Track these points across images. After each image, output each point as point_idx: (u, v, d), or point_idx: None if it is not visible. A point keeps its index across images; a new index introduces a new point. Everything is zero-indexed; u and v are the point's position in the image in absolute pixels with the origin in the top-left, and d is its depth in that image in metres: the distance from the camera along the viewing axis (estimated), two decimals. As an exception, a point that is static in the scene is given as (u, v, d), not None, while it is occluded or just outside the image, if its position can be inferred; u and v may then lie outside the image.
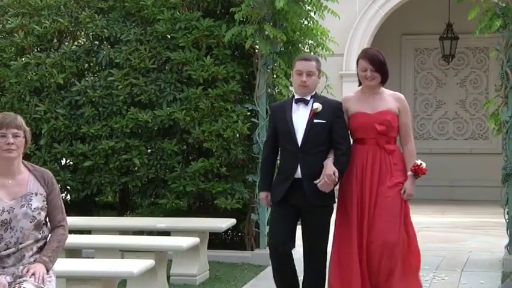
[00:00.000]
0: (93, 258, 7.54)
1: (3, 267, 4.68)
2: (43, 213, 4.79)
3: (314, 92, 6.08)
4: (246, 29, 8.71)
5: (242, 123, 8.91)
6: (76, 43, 9.91)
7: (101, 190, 9.57)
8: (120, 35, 9.43)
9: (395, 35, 16.18)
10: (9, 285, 4.60)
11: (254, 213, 8.91)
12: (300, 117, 5.99)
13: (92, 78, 9.60)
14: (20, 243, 4.72)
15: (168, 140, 9.22)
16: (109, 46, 9.63)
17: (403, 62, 16.60)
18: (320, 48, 9.44)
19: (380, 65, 5.97)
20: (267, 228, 7.68)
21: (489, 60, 15.97)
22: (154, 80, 9.24)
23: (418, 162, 5.96)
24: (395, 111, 6.02)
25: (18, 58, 9.65)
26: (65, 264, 5.80)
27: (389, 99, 6.07)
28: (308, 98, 6.02)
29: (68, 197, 9.75)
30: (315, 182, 5.82)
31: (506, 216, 8.63)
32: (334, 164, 5.85)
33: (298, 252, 6.20)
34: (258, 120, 8.96)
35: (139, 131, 9.32)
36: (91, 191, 9.49)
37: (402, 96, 6.18)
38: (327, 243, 6.03)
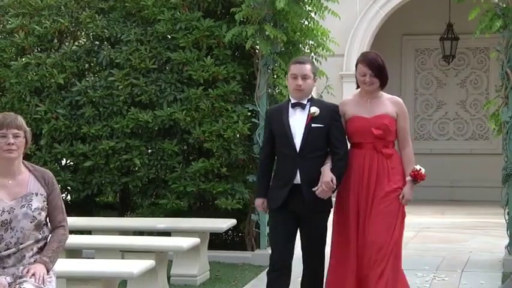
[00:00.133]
0: (93, 258, 7.55)
1: (4, 268, 4.68)
2: (43, 214, 4.79)
3: (310, 96, 5.96)
4: (246, 30, 8.71)
5: (242, 123, 8.91)
6: (76, 43, 9.92)
7: (101, 190, 9.58)
8: (120, 35, 9.44)
9: (395, 35, 16.18)
10: (9, 286, 4.60)
11: (254, 214, 8.91)
12: (298, 122, 5.87)
13: (92, 78, 9.60)
14: (21, 244, 4.72)
15: (168, 140, 9.22)
16: (109, 46, 9.63)
17: (403, 62, 16.60)
18: (320, 48, 9.44)
19: (379, 70, 5.87)
20: (267, 229, 7.66)
21: (489, 61, 15.97)
22: (155, 80, 9.25)
23: (418, 167, 5.88)
24: (393, 115, 5.93)
25: (19, 58, 9.66)
26: (65, 265, 5.81)
27: (387, 103, 5.97)
28: (305, 102, 5.90)
29: (69, 197, 9.75)
30: (313, 189, 5.74)
31: (507, 217, 8.64)
32: (332, 170, 5.77)
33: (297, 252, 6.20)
34: (258, 120, 8.96)
35: (140, 131, 9.32)
36: (91, 191, 9.49)
37: (400, 100, 6.09)
38: (325, 246, 5.96)
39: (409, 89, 16.51)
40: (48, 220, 4.87)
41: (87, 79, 9.53)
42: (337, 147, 5.85)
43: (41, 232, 4.81)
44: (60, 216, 4.89)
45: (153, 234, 8.59)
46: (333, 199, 5.93)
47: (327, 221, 5.95)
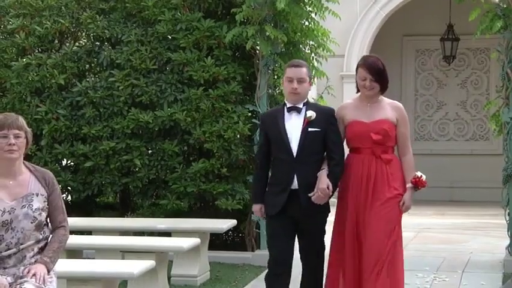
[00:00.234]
0: (93, 258, 7.56)
1: (4, 268, 4.68)
2: (44, 214, 4.79)
3: (306, 100, 5.88)
4: (246, 30, 8.72)
5: (243, 124, 8.92)
6: (77, 44, 9.93)
7: (101, 191, 9.58)
8: (121, 36, 9.44)
9: (396, 36, 16.18)
10: (10, 286, 4.60)
11: (254, 214, 8.89)
12: (294, 126, 5.79)
13: (92, 79, 9.60)
14: (21, 244, 4.72)
15: (168, 140, 9.23)
16: (110, 47, 9.64)
17: (404, 63, 16.60)
18: (321, 49, 9.44)
19: (379, 74, 5.80)
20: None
21: (490, 61, 15.97)
22: (155, 80, 9.25)
23: (419, 174, 5.80)
24: (392, 121, 5.85)
25: (19, 59, 9.66)
26: (65, 265, 5.81)
27: (388, 108, 5.89)
28: (300, 105, 5.82)
29: (69, 197, 9.75)
30: (309, 195, 5.69)
31: (507, 218, 8.63)
32: (328, 176, 5.70)
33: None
34: (258, 121, 8.95)
35: (140, 131, 9.32)
36: (92, 191, 9.50)
37: (401, 105, 6.00)
38: (324, 249, 5.93)
39: (410, 89, 16.51)
40: (48, 220, 4.87)
41: (87, 80, 9.54)
42: (334, 152, 5.79)
43: (42, 232, 4.81)
44: (61, 216, 4.89)
45: (153, 235, 8.59)
46: (334, 199, 5.91)
47: (325, 224, 5.90)
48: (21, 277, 4.65)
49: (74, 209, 9.13)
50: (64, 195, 9.69)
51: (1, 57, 9.75)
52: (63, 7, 9.82)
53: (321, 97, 9.49)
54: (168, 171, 9.25)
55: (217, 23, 9.18)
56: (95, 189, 9.48)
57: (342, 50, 12.98)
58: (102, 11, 9.72)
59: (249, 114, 9.12)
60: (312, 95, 9.84)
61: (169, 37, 9.37)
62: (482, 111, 15.64)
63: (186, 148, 9.46)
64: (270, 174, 5.98)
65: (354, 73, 6.03)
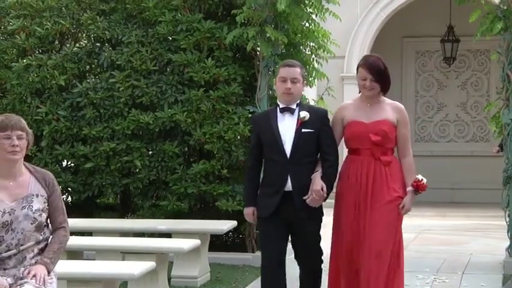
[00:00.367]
0: (94, 259, 7.56)
1: (4, 269, 4.68)
2: (44, 215, 4.79)
3: (299, 100, 5.81)
4: (247, 31, 8.72)
5: (243, 125, 8.91)
6: (77, 45, 9.93)
7: (102, 192, 9.57)
8: (121, 37, 9.45)
9: (396, 37, 16.20)
10: (10, 287, 4.60)
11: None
12: (287, 127, 5.72)
13: (93, 80, 9.60)
14: (21, 245, 4.72)
15: (169, 141, 9.23)
16: (110, 48, 9.64)
17: (404, 64, 16.62)
18: (321, 50, 9.44)
19: (380, 75, 5.72)
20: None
21: (490, 63, 15.99)
22: (156, 81, 9.25)
23: (419, 177, 5.72)
24: (393, 122, 5.76)
25: (20, 60, 9.67)
26: (66, 266, 5.80)
27: (388, 108, 5.80)
28: (294, 106, 5.75)
29: (69, 198, 9.75)
30: (303, 198, 5.62)
31: (507, 219, 8.64)
32: (322, 177, 5.63)
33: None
34: (257, 122, 8.94)
35: (141, 132, 9.32)
36: (92, 192, 9.49)
37: (402, 106, 5.91)
38: (321, 251, 5.85)
39: (410, 91, 16.53)
40: (49, 221, 4.87)
41: (88, 81, 9.54)
42: (328, 153, 5.72)
43: (42, 233, 4.81)
44: (61, 217, 4.89)
45: (153, 236, 8.59)
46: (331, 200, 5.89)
47: (319, 227, 5.83)
48: (22, 278, 4.65)
49: (74, 210, 9.13)
50: (64, 196, 9.69)
51: (1, 58, 9.75)
52: (63, 8, 9.83)
53: (321, 98, 9.49)
54: (169, 172, 9.25)
55: (217, 24, 9.18)
56: (95, 190, 9.48)
57: (342, 51, 13.00)
58: (102, 12, 9.73)
59: (250, 115, 9.10)
60: (312, 97, 9.90)
61: (170, 38, 9.37)
62: (482, 113, 15.67)
63: (186, 149, 9.46)
64: (262, 176, 5.91)
65: (355, 74, 5.97)
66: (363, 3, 14.80)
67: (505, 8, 8.61)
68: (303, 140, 5.67)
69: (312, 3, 9.09)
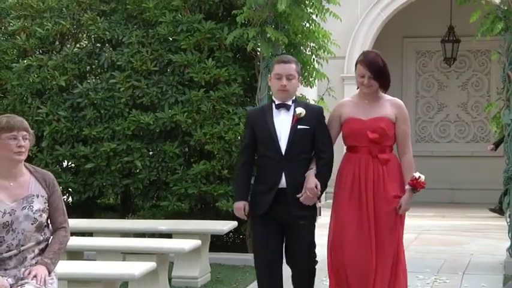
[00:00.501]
0: (94, 260, 7.56)
1: (5, 269, 4.68)
2: (44, 215, 4.80)
3: (294, 97, 5.75)
4: (247, 32, 8.71)
5: (244, 125, 8.90)
6: (78, 45, 9.92)
7: (102, 192, 9.57)
8: (122, 38, 9.45)
9: (396, 37, 16.20)
10: (10, 287, 4.61)
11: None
12: (283, 123, 5.65)
13: (93, 80, 9.60)
14: (22, 245, 4.72)
15: (169, 142, 9.23)
16: (111, 48, 9.64)
17: (404, 64, 16.63)
18: (322, 50, 9.43)
19: (379, 72, 5.61)
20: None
21: (491, 63, 16.00)
22: (156, 82, 9.25)
23: (417, 175, 5.61)
24: (391, 118, 5.67)
25: (20, 60, 9.67)
26: (66, 266, 5.80)
27: (387, 105, 5.71)
28: (289, 102, 5.69)
29: (70, 199, 9.74)
30: (297, 196, 5.55)
31: (508, 219, 8.63)
32: (316, 175, 5.57)
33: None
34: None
35: (141, 133, 9.32)
36: (93, 193, 9.49)
37: (401, 102, 5.82)
38: (314, 250, 5.78)
39: (410, 91, 16.53)
40: (49, 222, 4.88)
41: (88, 81, 9.54)
42: (322, 151, 5.66)
43: (42, 234, 4.81)
44: (61, 217, 4.89)
45: (154, 236, 8.59)
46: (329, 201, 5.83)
47: (313, 227, 5.77)
48: (22, 278, 4.66)
49: (75, 211, 9.13)
50: (65, 196, 9.69)
51: (2, 59, 9.75)
52: (64, 9, 9.82)
53: (322, 99, 9.48)
54: (169, 173, 9.25)
55: (218, 25, 9.18)
56: (96, 191, 9.48)
57: (342, 51, 13.01)
58: (103, 12, 9.72)
59: (250, 115, 9.10)
60: (312, 97, 9.90)
61: (170, 39, 9.37)
62: (483, 113, 15.67)
63: (186, 150, 9.46)
64: (255, 173, 5.85)
65: (355, 75, 5.87)
66: (363, 4, 14.80)
67: (506, 8, 8.61)
68: (299, 137, 5.62)
69: (313, 3, 9.08)
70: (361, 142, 5.66)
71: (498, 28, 8.54)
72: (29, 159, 4.88)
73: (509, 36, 8.58)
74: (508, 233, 8.63)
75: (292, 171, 5.61)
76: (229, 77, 9.06)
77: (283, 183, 5.61)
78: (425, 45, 16.50)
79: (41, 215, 4.76)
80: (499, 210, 13.30)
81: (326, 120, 5.86)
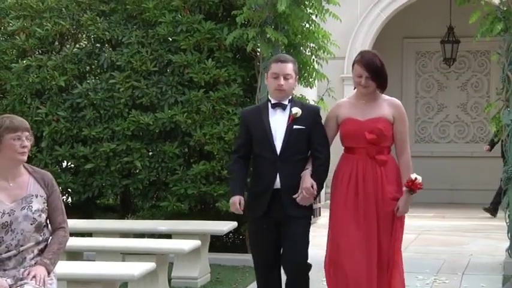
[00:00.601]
0: (94, 260, 7.56)
1: (4, 270, 4.68)
2: (44, 215, 4.80)
3: (291, 96, 5.65)
4: (247, 32, 8.71)
5: (243, 126, 8.89)
6: (77, 46, 9.93)
7: (102, 193, 9.57)
8: (121, 38, 9.45)
9: (396, 38, 16.20)
10: (10, 288, 4.62)
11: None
12: (278, 123, 5.56)
13: (93, 80, 9.60)
14: (21, 246, 4.72)
15: (169, 142, 9.23)
16: (110, 49, 9.64)
17: (404, 65, 16.63)
18: (321, 51, 9.43)
19: (376, 72, 5.53)
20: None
21: (490, 64, 16.00)
22: (156, 82, 9.25)
23: (413, 176, 5.51)
24: (389, 119, 5.59)
25: (20, 60, 9.67)
26: (66, 267, 5.80)
27: (384, 105, 5.63)
28: (286, 102, 5.59)
29: (69, 199, 9.74)
30: (293, 196, 5.46)
31: (507, 220, 8.63)
32: (312, 175, 5.49)
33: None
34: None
35: (141, 133, 9.32)
36: (92, 193, 9.49)
37: (399, 102, 5.73)
38: (307, 253, 5.66)
39: (410, 91, 16.53)
40: (48, 222, 4.87)
41: (88, 81, 9.53)
42: (319, 151, 5.57)
43: (42, 234, 4.81)
44: (60, 217, 4.89)
45: (154, 237, 8.59)
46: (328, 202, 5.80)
47: (307, 228, 5.67)
48: (21, 279, 4.66)
49: (75, 211, 9.12)
50: (64, 197, 9.69)
51: (1, 59, 9.75)
52: (63, 9, 9.82)
53: (322, 99, 9.48)
54: (169, 173, 9.25)
55: (217, 25, 9.18)
56: (96, 191, 9.47)
57: (342, 52, 12.99)
58: (102, 12, 9.72)
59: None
60: (312, 97, 9.90)
61: (170, 39, 9.37)
62: (482, 114, 15.66)
63: (186, 150, 9.45)
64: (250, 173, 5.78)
65: (352, 75, 5.77)
66: (363, 4, 14.80)
67: (505, 9, 8.61)
68: (294, 137, 5.54)
69: (312, 4, 9.08)
70: (359, 143, 5.59)
71: (497, 29, 8.53)
72: (28, 160, 4.88)
73: (509, 36, 8.57)
74: (508, 233, 8.63)
75: (286, 171, 5.52)
76: (229, 77, 9.06)
77: (277, 184, 5.53)
78: (425, 46, 16.50)
79: (40, 215, 4.76)
80: (492, 210, 13.34)
81: (323, 121, 5.80)
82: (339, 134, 5.76)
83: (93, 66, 9.77)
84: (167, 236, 8.26)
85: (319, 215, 12.45)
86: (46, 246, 4.83)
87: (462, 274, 8.52)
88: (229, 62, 9.16)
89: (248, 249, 9.13)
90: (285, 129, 5.55)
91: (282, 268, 5.73)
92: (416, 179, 5.51)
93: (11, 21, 9.89)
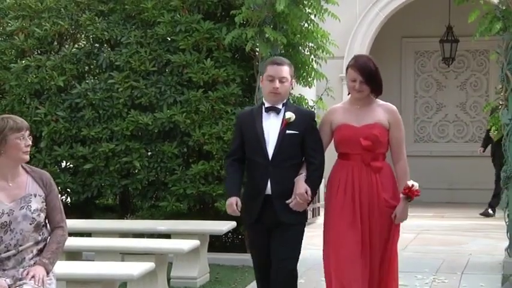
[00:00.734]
0: (93, 260, 7.56)
1: (4, 270, 4.69)
2: (42, 215, 4.80)
3: (285, 100, 5.53)
4: (246, 32, 8.71)
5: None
6: (76, 46, 9.92)
7: (101, 193, 9.57)
8: (120, 38, 9.44)
9: (395, 37, 16.20)
10: (9, 288, 4.62)
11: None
12: (271, 127, 5.45)
13: (92, 80, 9.59)
14: (20, 245, 4.72)
15: (168, 142, 9.22)
16: (109, 49, 9.64)
17: (403, 64, 16.62)
18: (320, 50, 9.43)
19: (370, 76, 5.43)
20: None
21: (489, 63, 15.99)
22: (155, 82, 9.25)
23: (410, 183, 5.41)
24: (384, 124, 5.48)
25: (19, 61, 9.66)
26: (65, 267, 5.81)
27: (379, 110, 5.52)
28: (280, 106, 5.48)
29: (69, 199, 9.75)
30: (287, 201, 5.35)
31: (507, 219, 8.64)
32: (306, 181, 5.38)
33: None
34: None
35: (140, 133, 9.32)
36: (91, 193, 9.49)
37: (394, 107, 5.59)
38: (297, 262, 5.54)
39: (409, 91, 16.53)
40: (47, 221, 4.87)
41: (87, 81, 9.53)
42: (313, 156, 5.45)
43: (41, 234, 4.81)
44: (59, 216, 4.89)
45: (153, 237, 8.59)
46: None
47: (300, 235, 5.54)
48: (20, 279, 4.66)
49: (74, 211, 9.13)
50: (63, 197, 9.71)
51: (0, 59, 9.74)
52: (62, 9, 9.82)
53: (321, 99, 9.48)
54: (168, 173, 9.25)
55: (216, 25, 9.18)
56: (95, 191, 9.47)
57: (341, 51, 12.99)
58: (101, 12, 9.72)
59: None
60: (311, 97, 9.90)
61: (169, 39, 9.36)
62: (481, 113, 15.65)
63: (185, 150, 9.45)
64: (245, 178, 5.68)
65: (346, 79, 5.69)
66: (362, 4, 14.79)
67: (504, 8, 8.60)
68: (287, 142, 5.43)
69: (311, 3, 9.08)
70: (354, 149, 5.49)
71: (496, 28, 8.53)
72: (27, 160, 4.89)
73: (508, 36, 8.58)
74: (507, 232, 8.63)
75: (278, 177, 5.41)
76: (227, 77, 9.06)
77: (268, 190, 5.42)
78: (424, 45, 16.50)
79: (39, 215, 4.77)
80: (487, 213, 13.36)
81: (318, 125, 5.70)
82: (333, 139, 5.65)
83: (92, 66, 9.76)
84: (166, 236, 8.26)
85: (318, 215, 12.45)
86: (45, 245, 4.83)
87: (461, 273, 8.52)
88: (228, 61, 9.16)
89: (247, 249, 9.14)
90: (278, 134, 5.45)
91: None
92: (413, 185, 5.42)
93: (9, 21, 9.89)
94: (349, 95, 5.63)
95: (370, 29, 14.82)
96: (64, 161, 9.67)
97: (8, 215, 4.68)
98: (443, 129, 16.61)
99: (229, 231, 9.03)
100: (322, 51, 9.44)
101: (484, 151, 13.74)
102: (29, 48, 9.71)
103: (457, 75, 16.49)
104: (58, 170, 9.48)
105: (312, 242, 8.36)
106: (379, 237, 5.47)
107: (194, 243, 7.52)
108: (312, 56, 9.48)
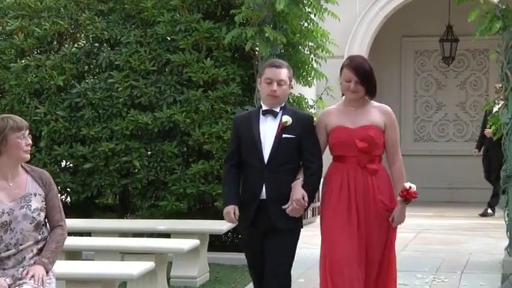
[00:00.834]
0: (93, 260, 7.56)
1: (3, 269, 4.69)
2: (42, 214, 4.80)
3: (283, 103, 5.44)
4: (246, 31, 8.71)
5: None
6: (76, 45, 9.92)
7: (101, 192, 9.57)
8: (120, 37, 9.44)
9: (395, 37, 16.19)
10: (8, 287, 4.61)
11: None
12: (268, 131, 5.37)
13: (92, 80, 9.60)
14: (20, 245, 4.72)
15: (168, 142, 9.22)
16: (109, 48, 9.64)
17: (403, 64, 16.61)
18: (320, 50, 9.42)
19: (365, 77, 5.34)
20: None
21: (489, 62, 15.98)
22: (155, 82, 9.25)
23: (407, 185, 5.32)
24: (380, 126, 5.40)
25: (18, 60, 9.66)
26: (65, 266, 5.81)
27: (375, 111, 5.44)
28: (277, 109, 5.39)
29: (68, 199, 9.75)
30: (283, 207, 5.26)
31: (506, 218, 8.64)
32: (303, 186, 5.29)
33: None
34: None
35: (140, 133, 9.32)
36: (91, 193, 9.49)
37: (389, 109, 5.51)
38: (291, 267, 5.47)
39: (409, 90, 16.52)
40: (46, 221, 4.88)
41: (86, 81, 9.53)
42: (310, 161, 5.36)
43: (41, 233, 4.82)
44: (58, 215, 4.89)
45: (152, 236, 8.59)
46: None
47: (295, 240, 5.48)
48: (20, 279, 4.66)
49: (73, 211, 9.13)
50: (63, 196, 9.71)
51: (0, 59, 9.75)
52: (62, 8, 9.82)
53: (320, 98, 9.48)
54: (168, 173, 9.25)
55: (216, 24, 9.18)
56: (94, 191, 9.47)
57: (341, 51, 12.96)
58: (101, 12, 9.72)
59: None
60: (311, 96, 9.90)
61: (169, 38, 9.36)
62: (481, 112, 15.62)
63: (185, 149, 9.45)
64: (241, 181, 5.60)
65: (340, 80, 5.55)
66: (361, 3, 14.78)
67: (504, 7, 8.61)
68: (283, 146, 5.34)
69: (311, 2, 9.08)
70: (349, 152, 5.41)
71: (496, 27, 8.53)
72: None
73: (507, 35, 8.58)
74: (507, 232, 8.63)
75: (273, 182, 5.33)
76: (227, 76, 9.06)
77: (263, 194, 5.34)
78: (423, 45, 16.49)
79: (39, 214, 4.77)
80: (486, 213, 13.36)
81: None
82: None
83: (91, 66, 9.77)
84: (166, 235, 8.26)
85: (318, 214, 12.44)
86: (45, 245, 4.83)
87: (461, 273, 8.52)
88: (227, 61, 9.16)
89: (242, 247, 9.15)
90: (274, 138, 5.38)
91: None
92: (410, 187, 5.35)
93: (9, 20, 9.89)
94: (343, 96, 5.55)
95: (370, 28, 14.81)
96: (64, 161, 9.67)
97: (8, 215, 4.69)
98: (443, 129, 16.60)
99: (229, 231, 9.03)
100: (322, 51, 9.44)
101: (479, 151, 13.75)
102: (28, 48, 9.71)
103: (457, 74, 16.48)
104: (58, 170, 9.48)
105: (312, 241, 8.34)
106: (377, 239, 5.41)
107: (194, 242, 7.52)
108: (312, 56, 9.48)
